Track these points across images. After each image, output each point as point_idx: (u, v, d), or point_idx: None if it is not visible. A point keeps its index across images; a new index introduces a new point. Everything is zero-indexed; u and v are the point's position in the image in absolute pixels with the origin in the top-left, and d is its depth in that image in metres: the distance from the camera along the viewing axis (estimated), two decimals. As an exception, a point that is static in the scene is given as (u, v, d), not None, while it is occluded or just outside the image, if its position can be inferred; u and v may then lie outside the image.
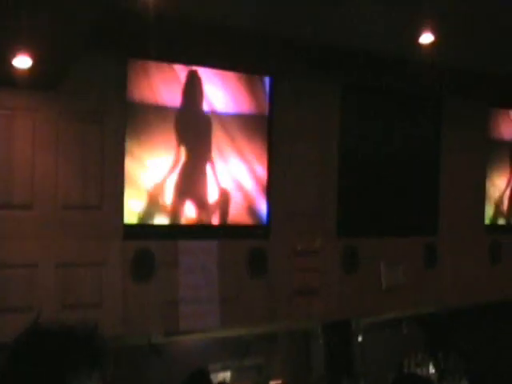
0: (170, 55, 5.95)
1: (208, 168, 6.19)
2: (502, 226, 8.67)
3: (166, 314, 5.88)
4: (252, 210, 6.48)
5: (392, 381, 3.47)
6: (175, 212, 6.02)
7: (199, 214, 6.15)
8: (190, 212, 6.10)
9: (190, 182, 6.11)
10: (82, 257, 5.51)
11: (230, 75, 6.32)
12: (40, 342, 1.79)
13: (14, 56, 4.76)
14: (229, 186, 6.31)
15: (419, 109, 7.88)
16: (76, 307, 5.36)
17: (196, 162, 6.13)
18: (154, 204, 5.88)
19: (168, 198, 5.96)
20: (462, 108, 8.05)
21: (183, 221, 6.08)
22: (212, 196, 6.22)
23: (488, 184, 8.51)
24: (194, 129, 6.13)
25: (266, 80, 6.52)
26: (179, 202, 6.04)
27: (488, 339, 9.41)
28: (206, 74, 6.19)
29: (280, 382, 7.47)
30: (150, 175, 5.84)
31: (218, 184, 6.24)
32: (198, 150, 6.14)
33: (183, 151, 6.05)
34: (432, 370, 8.42)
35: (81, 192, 5.53)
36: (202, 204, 6.16)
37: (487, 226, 8.49)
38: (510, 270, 8.49)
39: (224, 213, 6.30)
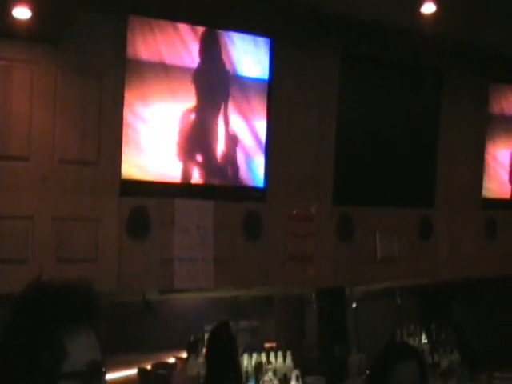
0: (172, 13, 5.95)
1: (208, 127, 6.19)
2: (499, 201, 8.68)
3: (161, 272, 5.91)
4: (250, 173, 6.49)
5: (381, 349, 3.49)
6: (172, 171, 6.03)
7: (196, 173, 6.17)
8: (187, 171, 6.11)
9: (190, 141, 6.12)
10: (78, 212, 5.53)
11: (232, 35, 6.32)
12: (39, 298, 1.81)
13: (13, 6, 4.77)
14: (229, 147, 6.32)
15: (419, 81, 7.87)
16: (71, 262, 5.39)
17: (198, 120, 6.13)
18: (151, 161, 5.89)
19: (165, 155, 5.97)
20: (463, 81, 8.05)
21: (180, 180, 6.09)
22: (210, 156, 6.23)
23: (486, 159, 8.51)
24: (194, 87, 6.12)
25: (267, 43, 6.51)
26: (176, 160, 6.05)
27: (481, 314, 9.47)
28: (208, 34, 6.19)
29: (274, 344, 7.50)
30: (147, 132, 5.85)
31: (219, 144, 6.25)
32: (199, 108, 6.14)
33: (182, 109, 6.05)
34: (424, 341, 8.46)
35: (78, 147, 5.55)
36: (198, 163, 6.17)
37: (484, 200, 8.50)
38: (505, 246, 8.52)
39: (221, 174, 6.32)
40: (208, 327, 7.01)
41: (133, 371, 6.58)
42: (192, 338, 6.66)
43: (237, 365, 5.75)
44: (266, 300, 7.88)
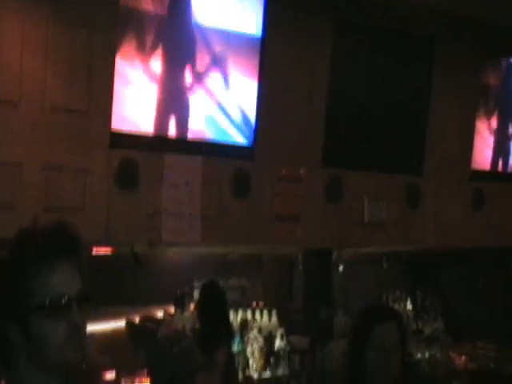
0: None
1: (196, 82, 6.19)
2: (487, 173, 8.73)
3: (149, 225, 5.93)
4: (239, 131, 6.49)
5: (362, 310, 3.52)
6: (162, 125, 6.03)
7: (186, 128, 6.17)
8: (177, 126, 6.12)
9: (178, 95, 6.12)
10: (66, 161, 5.52)
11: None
12: (18, 234, 1.91)
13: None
14: (217, 103, 6.32)
15: (412, 50, 7.88)
16: (58, 210, 5.38)
17: (182, 75, 6.13)
18: (141, 115, 5.89)
19: (155, 109, 5.97)
20: (455, 52, 8.06)
21: (170, 135, 6.10)
22: (200, 112, 6.23)
23: (476, 131, 8.55)
24: (183, 40, 6.12)
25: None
26: (166, 115, 6.05)
27: (466, 284, 9.54)
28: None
29: (262, 304, 7.54)
30: (138, 84, 5.84)
31: (207, 100, 6.25)
32: (186, 62, 6.13)
33: (171, 61, 6.05)
34: (409, 307, 8.54)
35: (68, 96, 5.53)
36: (189, 119, 6.17)
37: (472, 172, 8.54)
38: (491, 218, 8.58)
39: (211, 130, 6.32)
40: (196, 283, 7.07)
41: (120, 323, 6.61)
42: (179, 292, 6.71)
43: (227, 320, 5.82)
44: (254, 260, 7.91)
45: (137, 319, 6.66)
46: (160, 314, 6.83)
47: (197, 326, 5.87)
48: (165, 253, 7.08)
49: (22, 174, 5.31)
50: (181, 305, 6.65)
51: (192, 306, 6.74)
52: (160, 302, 6.99)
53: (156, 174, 5.99)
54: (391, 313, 3.52)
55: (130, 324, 6.58)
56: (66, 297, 1.85)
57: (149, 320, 6.61)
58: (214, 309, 5.66)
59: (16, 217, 5.19)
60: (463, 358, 8.57)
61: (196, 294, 6.51)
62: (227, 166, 6.43)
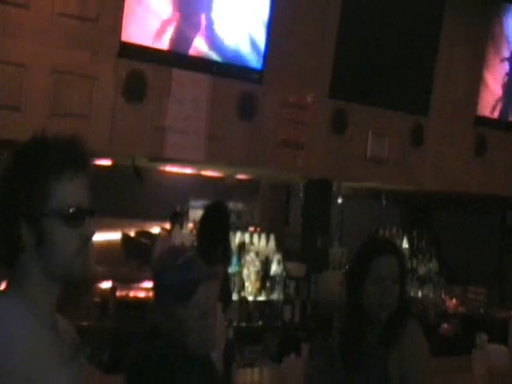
0: None
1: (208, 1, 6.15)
2: (491, 120, 8.71)
3: (153, 140, 5.93)
4: (249, 54, 6.46)
5: (363, 242, 3.51)
6: (173, 40, 5.99)
7: (196, 45, 6.13)
8: (187, 43, 6.07)
9: (191, 12, 6.07)
10: (75, 67, 5.49)
11: None
12: (32, 143, 1.92)
13: None
14: (229, 25, 6.27)
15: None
16: (64, 116, 5.38)
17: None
18: (153, 28, 5.84)
19: (168, 24, 5.92)
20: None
21: (180, 50, 6.06)
22: (212, 31, 6.18)
23: (483, 77, 8.51)
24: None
25: None
26: (178, 30, 6.00)
27: (461, 229, 9.60)
28: None
29: (258, 229, 7.58)
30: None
31: (219, 20, 6.21)
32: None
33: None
34: (405, 246, 8.58)
35: (80, 3, 5.49)
36: (199, 35, 6.13)
37: (477, 118, 8.52)
38: (493, 165, 8.59)
39: (221, 50, 6.28)
40: (193, 203, 7.10)
41: (116, 235, 6.66)
42: (178, 208, 6.73)
43: (228, 242, 5.85)
44: (252, 185, 7.94)
45: (132, 233, 6.70)
46: (155, 230, 6.86)
47: (195, 243, 5.91)
48: (164, 170, 7.08)
49: (31, 76, 5.29)
50: (178, 221, 6.67)
51: (188, 225, 6.78)
52: (156, 218, 7.03)
53: (163, 88, 5.96)
54: (392, 247, 3.50)
55: (125, 237, 6.62)
56: (81, 208, 1.90)
57: (144, 235, 6.65)
58: (216, 228, 5.68)
59: (23, 119, 5.19)
60: (454, 301, 8.63)
61: (192, 214, 6.54)
62: (235, 87, 6.40)
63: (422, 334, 3.33)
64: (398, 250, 3.51)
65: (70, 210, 1.87)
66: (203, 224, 5.79)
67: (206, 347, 2.79)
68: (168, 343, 2.70)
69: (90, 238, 1.95)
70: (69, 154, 1.89)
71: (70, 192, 1.89)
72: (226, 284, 5.78)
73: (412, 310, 4.34)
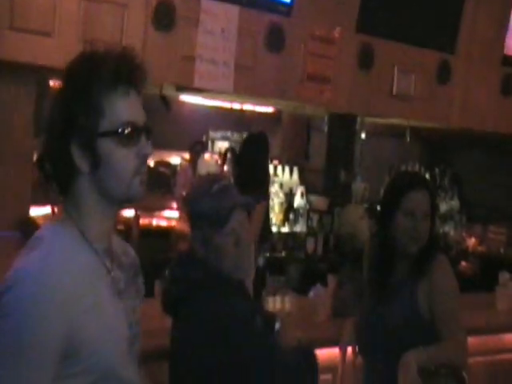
0: None
1: None
2: (518, 59, 8.62)
3: (182, 68, 5.92)
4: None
5: (394, 176, 3.50)
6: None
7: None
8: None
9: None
10: (105, -6, 5.47)
11: None
12: (85, 59, 1.86)
13: None
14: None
15: None
16: (95, 43, 5.36)
17: None
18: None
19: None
20: None
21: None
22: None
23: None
24: None
25: None
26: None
27: (484, 168, 9.59)
28: None
29: (278, 161, 7.61)
30: None
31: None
32: None
33: None
34: (427, 182, 8.57)
35: None
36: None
37: (504, 57, 8.45)
38: (519, 105, 8.54)
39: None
40: (212, 134, 7.09)
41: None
42: (203, 138, 6.75)
43: (268, 173, 5.81)
44: (273, 118, 7.92)
45: (151, 163, 6.69)
46: (174, 160, 6.86)
47: (231, 173, 5.89)
48: (188, 103, 7.06)
49: (63, 2, 5.26)
50: (199, 152, 6.68)
51: (207, 156, 6.79)
52: (175, 148, 7.02)
53: (193, 18, 5.93)
54: (424, 181, 3.53)
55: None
56: (136, 125, 1.82)
57: (163, 165, 6.65)
58: (256, 160, 5.66)
59: (54, 45, 5.18)
60: (474, 239, 8.69)
61: (215, 145, 6.51)
62: (264, 18, 6.36)
63: (451, 268, 3.38)
64: (429, 185, 3.54)
65: (126, 128, 1.79)
66: (243, 155, 5.77)
67: (240, 273, 2.84)
68: (204, 269, 2.75)
69: (148, 157, 1.87)
70: (121, 68, 1.80)
71: (124, 108, 1.80)
72: (267, 216, 5.77)
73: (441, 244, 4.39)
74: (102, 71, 1.78)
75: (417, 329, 3.24)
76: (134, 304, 1.93)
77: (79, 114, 1.75)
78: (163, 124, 6.80)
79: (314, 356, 2.89)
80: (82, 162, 1.78)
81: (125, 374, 1.83)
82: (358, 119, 7.76)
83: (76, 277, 1.72)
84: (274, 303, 4.04)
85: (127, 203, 1.92)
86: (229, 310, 2.67)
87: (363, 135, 7.86)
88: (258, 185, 5.49)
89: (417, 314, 3.24)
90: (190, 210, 2.86)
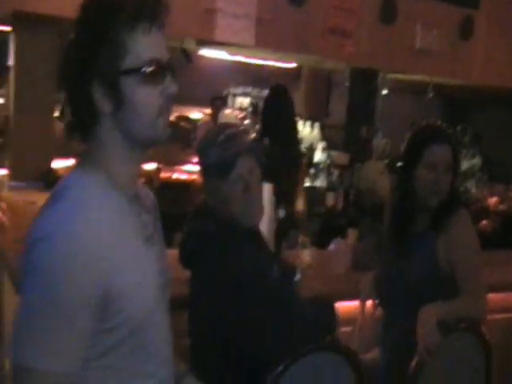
0: None
1: None
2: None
3: (204, 22, 5.89)
4: None
5: (417, 129, 3.45)
6: None
7: None
8: None
9: None
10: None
11: None
12: None
13: None
14: None
15: None
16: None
17: None
18: None
19: None
20: None
21: None
22: None
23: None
24: None
25: None
26: None
27: (505, 126, 9.51)
28: None
29: (299, 117, 7.54)
30: None
31: None
32: None
33: None
34: (449, 140, 8.51)
35: None
36: None
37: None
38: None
39: None
40: (233, 89, 7.03)
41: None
42: (224, 93, 6.72)
43: (296, 123, 5.73)
44: (293, 74, 7.85)
45: (172, 118, 6.67)
46: (194, 115, 6.82)
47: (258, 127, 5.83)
48: (207, 58, 7.01)
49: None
50: (220, 106, 6.66)
51: (228, 110, 6.75)
52: (195, 103, 6.98)
53: (214, -29, 5.89)
54: (446, 134, 3.46)
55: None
56: (160, 63, 1.70)
57: (184, 119, 6.61)
58: (280, 112, 5.62)
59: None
60: (495, 198, 8.63)
61: (234, 99, 6.45)
62: (285, -29, 6.31)
63: (471, 222, 3.36)
64: (451, 138, 3.49)
65: (149, 66, 1.68)
66: (268, 108, 5.72)
67: (250, 219, 2.78)
68: (215, 220, 2.73)
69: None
70: (143, 3, 1.67)
71: (147, 46, 1.68)
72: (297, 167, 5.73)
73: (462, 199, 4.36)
74: (122, 7, 1.66)
75: (437, 284, 3.22)
76: (161, 249, 1.91)
77: (100, 51, 1.66)
78: (183, 79, 6.79)
79: (333, 308, 2.88)
80: (103, 102, 1.69)
81: (159, 322, 1.82)
82: (380, 75, 7.69)
83: (108, 226, 1.67)
84: (295, 255, 4.04)
85: (152, 145, 1.82)
86: (240, 262, 2.62)
87: (384, 91, 7.79)
88: (287, 136, 5.45)
89: (436, 270, 3.22)
90: (200, 162, 2.82)
